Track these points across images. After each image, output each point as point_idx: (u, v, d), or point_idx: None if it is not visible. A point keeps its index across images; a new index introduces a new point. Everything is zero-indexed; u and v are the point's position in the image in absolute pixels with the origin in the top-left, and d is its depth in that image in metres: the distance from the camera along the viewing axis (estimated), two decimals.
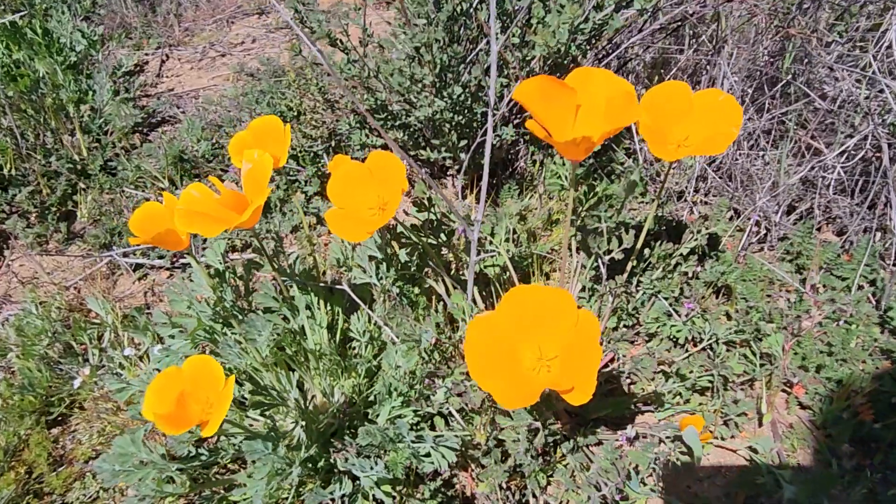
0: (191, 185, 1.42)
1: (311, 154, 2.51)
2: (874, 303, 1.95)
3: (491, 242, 1.81)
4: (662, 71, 2.60)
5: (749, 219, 2.18)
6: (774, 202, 2.15)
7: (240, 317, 1.69)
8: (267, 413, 1.58)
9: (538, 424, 1.38)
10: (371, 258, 1.71)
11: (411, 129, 2.31)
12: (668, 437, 1.49)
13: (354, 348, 1.80)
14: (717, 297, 1.99)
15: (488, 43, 2.07)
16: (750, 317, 1.76)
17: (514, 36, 2.03)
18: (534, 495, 1.53)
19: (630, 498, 1.44)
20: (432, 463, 1.39)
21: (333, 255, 1.85)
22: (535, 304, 1.15)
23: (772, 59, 2.31)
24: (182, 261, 2.33)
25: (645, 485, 1.44)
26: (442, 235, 1.78)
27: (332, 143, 2.51)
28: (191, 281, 1.79)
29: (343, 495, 1.41)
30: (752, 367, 1.73)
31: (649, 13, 2.24)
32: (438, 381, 1.50)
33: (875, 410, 1.63)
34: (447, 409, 1.50)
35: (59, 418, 1.86)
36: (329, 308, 1.80)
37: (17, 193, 2.44)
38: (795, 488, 1.30)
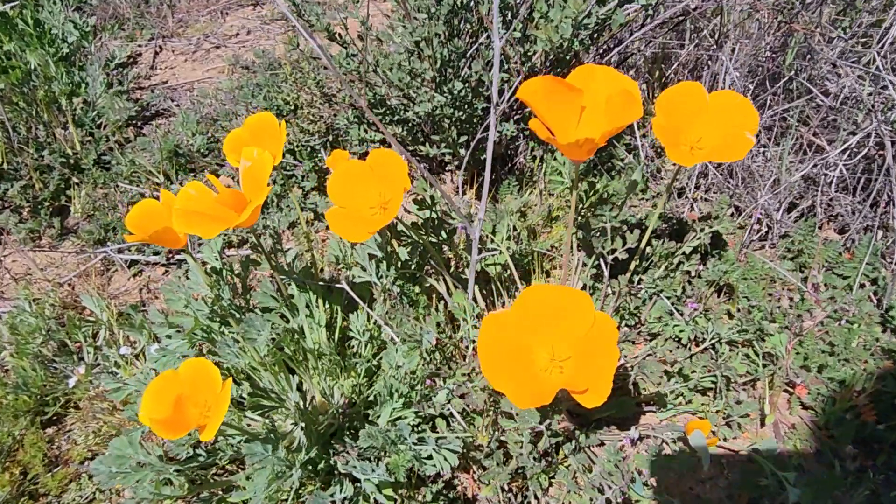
0: (188, 183, 1.40)
1: (309, 149, 2.48)
2: (875, 302, 1.94)
3: (492, 240, 1.79)
4: (663, 66, 2.57)
5: (750, 216, 2.17)
6: (776, 199, 2.13)
7: (237, 315, 1.67)
8: (266, 414, 1.56)
9: (542, 427, 1.36)
10: (371, 256, 1.69)
11: (410, 125, 2.29)
12: (671, 439, 1.48)
13: (353, 347, 1.78)
14: (718, 296, 1.97)
15: (489, 37, 2.04)
16: (752, 316, 1.74)
17: (515, 30, 2.00)
18: (535, 497, 1.52)
19: (633, 500, 1.42)
20: (434, 466, 1.38)
21: (332, 252, 1.83)
22: (551, 304, 1.14)
23: (774, 55, 2.29)
24: (178, 257, 2.30)
25: (648, 487, 1.42)
26: (443, 233, 1.76)
27: (330, 138, 2.48)
28: (187, 278, 1.76)
29: (344, 498, 1.40)
30: (755, 367, 1.71)
31: (652, 7, 2.21)
32: (440, 382, 1.49)
33: (877, 411, 1.62)
34: (448, 410, 1.48)
35: (54, 418, 1.84)
36: (328, 306, 1.78)
37: (9, 188, 2.41)
38: (800, 491, 1.29)
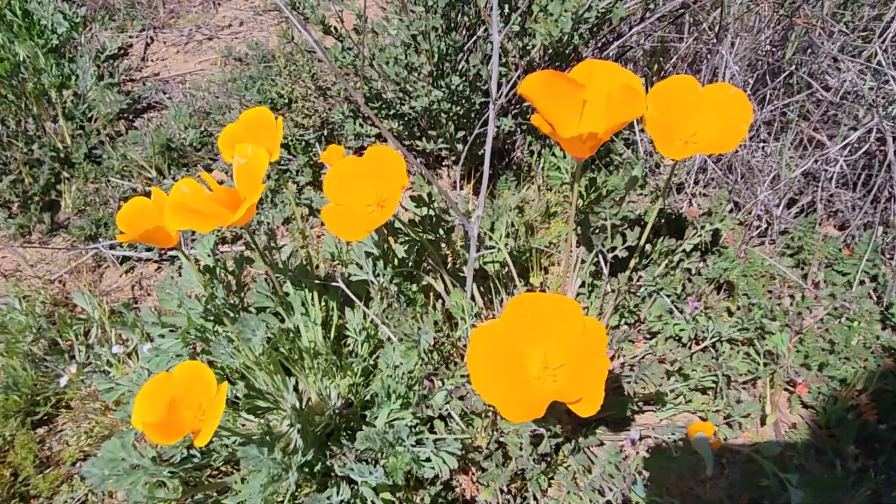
0: (181, 180, 1.37)
1: (303, 143, 2.44)
2: (875, 299, 1.93)
3: (490, 238, 1.77)
4: (662, 59, 2.55)
5: (750, 212, 2.15)
6: (775, 195, 2.12)
7: (231, 314, 1.64)
8: (262, 415, 1.54)
9: (542, 430, 1.34)
10: (367, 254, 1.66)
11: (407, 119, 2.26)
12: (672, 440, 1.46)
13: (349, 346, 1.76)
14: (718, 294, 1.96)
15: (487, 31, 2.01)
16: (752, 314, 1.73)
17: (514, 24, 1.97)
18: (535, 498, 1.51)
19: (634, 501, 1.41)
20: (433, 468, 1.36)
21: (327, 249, 1.80)
22: (540, 312, 1.11)
23: (774, 49, 2.26)
24: (171, 253, 2.27)
25: (648, 488, 1.41)
26: (440, 231, 1.73)
27: (325, 132, 2.45)
28: (180, 276, 1.73)
29: (341, 501, 1.37)
30: (756, 366, 1.70)
31: (652, 0, 2.19)
32: (438, 383, 1.46)
33: (879, 410, 1.61)
34: (447, 411, 1.46)
35: (45, 418, 1.81)
36: (323, 304, 1.75)
37: None
38: (802, 493, 1.28)
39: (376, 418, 1.46)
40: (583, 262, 1.84)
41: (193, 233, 2.29)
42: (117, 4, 3.68)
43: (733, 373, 1.55)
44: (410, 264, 1.73)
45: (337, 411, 1.56)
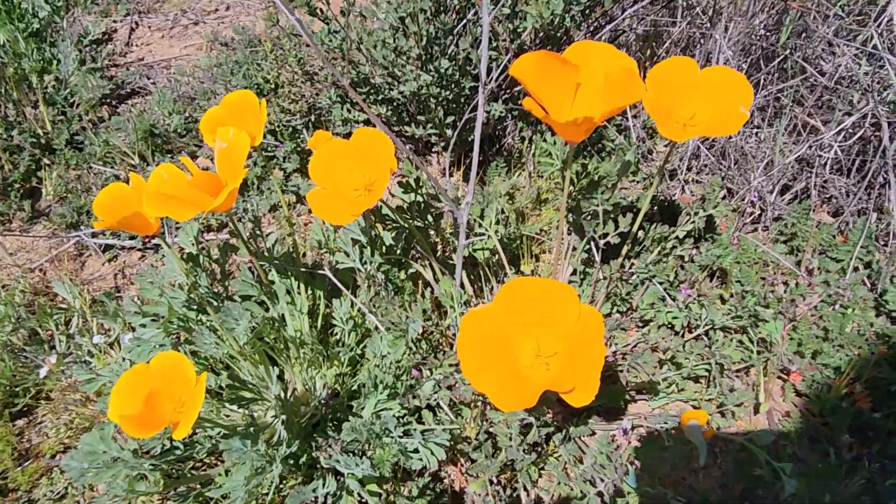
0: (160, 165, 1.32)
1: (290, 129, 2.39)
2: (869, 286, 1.91)
3: (480, 224, 1.73)
4: (654, 44, 2.51)
5: (743, 199, 2.12)
6: (769, 182, 2.09)
7: (215, 303, 1.60)
8: (246, 406, 1.50)
9: (531, 419, 1.31)
10: (355, 241, 1.62)
11: (395, 105, 2.21)
12: (664, 429, 1.43)
13: (336, 335, 1.72)
14: (710, 281, 1.93)
15: (477, 13, 1.96)
16: (746, 301, 1.70)
17: (504, 6, 1.92)
18: (525, 489, 1.48)
19: (626, 492, 1.38)
20: (421, 459, 1.33)
21: (314, 237, 1.76)
22: (534, 298, 1.08)
23: (768, 33, 2.23)
24: (155, 241, 2.22)
25: (640, 478, 1.39)
26: (429, 217, 1.70)
27: (312, 118, 2.40)
28: (163, 264, 1.69)
29: (327, 493, 1.34)
30: (749, 354, 1.68)
31: None
32: (426, 373, 1.43)
33: (873, 398, 1.59)
34: (435, 401, 1.43)
35: (25, 410, 1.77)
36: (310, 293, 1.71)
37: None
38: (796, 482, 1.26)
39: (363, 409, 1.43)
40: (574, 249, 1.81)
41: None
42: None
43: (727, 361, 1.53)
44: (398, 252, 1.69)
45: (323, 402, 1.53)
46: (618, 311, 1.77)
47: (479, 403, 1.42)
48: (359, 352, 1.62)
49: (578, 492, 1.37)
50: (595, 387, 0.97)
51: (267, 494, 1.43)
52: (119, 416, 1.09)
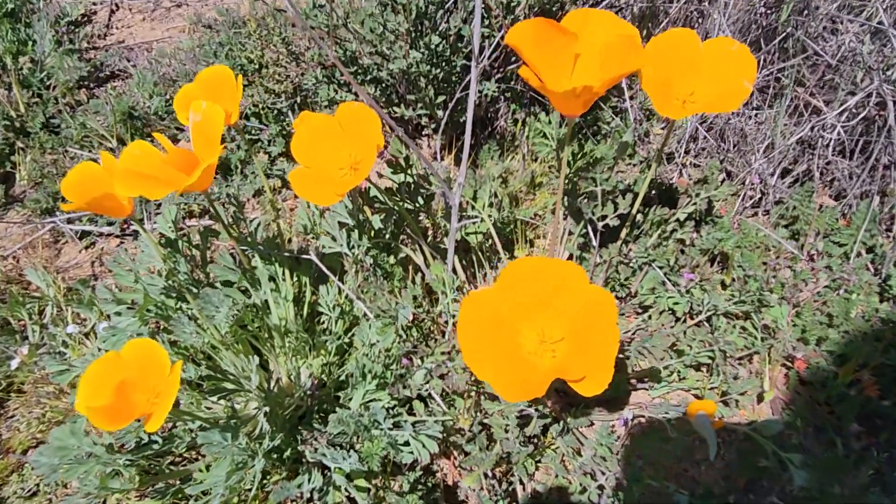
0: (132, 142, 1.24)
1: (275, 111, 2.31)
2: (873, 271, 1.85)
3: (473, 207, 1.66)
4: (651, 24, 2.44)
5: (743, 182, 2.06)
6: (770, 164, 2.02)
7: (195, 290, 1.52)
8: (227, 398, 1.43)
9: (530, 410, 1.25)
10: (341, 225, 1.54)
11: (384, 85, 2.13)
12: (667, 419, 1.37)
13: (323, 323, 1.65)
14: (711, 266, 1.87)
15: None
16: (748, 286, 1.64)
17: None
18: (521, 482, 1.41)
19: (627, 485, 1.32)
20: (412, 453, 1.26)
21: (300, 222, 1.69)
22: (540, 279, 1.00)
23: (768, 11, 2.16)
24: (134, 228, 2.13)
25: (642, 469, 1.32)
26: (419, 199, 1.62)
27: (298, 100, 2.31)
28: (141, 251, 1.61)
29: (313, 489, 1.27)
30: (753, 340, 1.61)
31: None
32: (417, 362, 1.36)
33: (880, 386, 1.53)
34: (427, 391, 1.36)
35: None
36: (295, 279, 1.64)
37: None
38: (806, 474, 1.19)
39: (350, 400, 1.36)
40: (570, 233, 1.74)
41: (159, 205, 2.16)
42: None
43: (731, 348, 1.46)
44: (387, 235, 1.62)
45: (308, 393, 1.46)
46: (617, 297, 1.70)
47: (473, 393, 1.35)
48: (346, 340, 1.55)
49: (577, 485, 1.31)
50: (608, 374, 0.90)
51: (250, 490, 1.35)
52: (87, 408, 1.01)
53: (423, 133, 2.33)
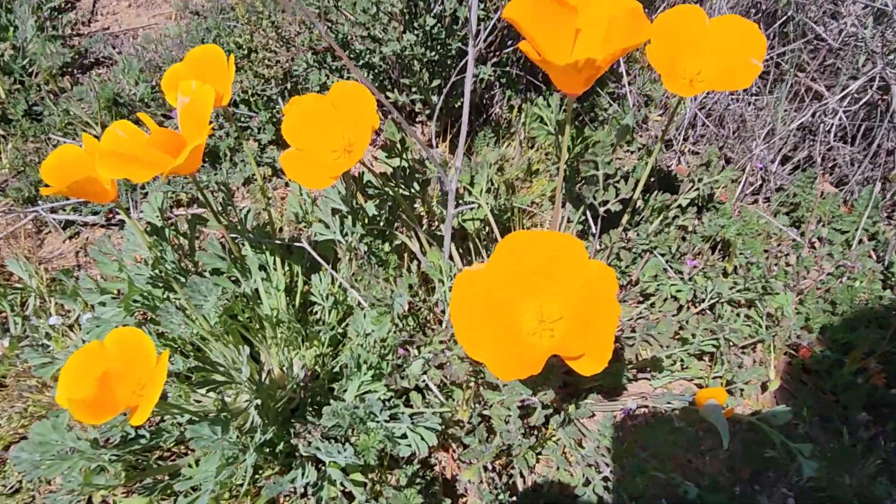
0: (115, 122, 1.18)
1: (265, 98, 2.25)
2: (875, 258, 1.82)
3: (470, 193, 1.61)
4: (647, 10, 2.39)
5: (743, 169, 2.02)
6: (770, 150, 1.99)
7: (182, 280, 1.47)
8: (217, 390, 1.37)
9: (532, 400, 1.20)
10: (334, 211, 1.49)
11: (376, 71, 2.07)
12: (671, 410, 1.33)
13: (316, 313, 1.60)
14: (713, 253, 1.83)
15: None
16: (752, 274, 1.60)
17: None
18: (521, 475, 1.37)
19: (631, 476, 1.28)
20: (409, 446, 1.21)
21: (291, 209, 1.63)
22: (537, 254, 0.96)
23: None
24: (120, 217, 2.07)
25: (647, 461, 1.28)
26: (415, 185, 1.57)
27: (288, 86, 2.25)
28: (127, 240, 1.55)
29: (307, 484, 1.23)
30: (757, 328, 1.58)
31: None
32: (414, 352, 1.31)
33: (887, 374, 1.50)
34: (424, 382, 1.31)
35: None
36: (287, 268, 1.59)
37: None
38: (816, 465, 1.16)
39: (345, 391, 1.31)
40: (569, 221, 1.69)
41: (146, 194, 2.10)
42: None
43: (736, 336, 1.42)
44: (382, 222, 1.57)
45: (301, 384, 1.41)
46: (618, 284, 1.66)
47: (473, 384, 1.31)
48: (340, 330, 1.50)
49: (580, 477, 1.27)
50: (608, 352, 0.86)
51: (241, 485, 1.30)
52: (68, 400, 0.96)
53: (417, 120, 2.28)
